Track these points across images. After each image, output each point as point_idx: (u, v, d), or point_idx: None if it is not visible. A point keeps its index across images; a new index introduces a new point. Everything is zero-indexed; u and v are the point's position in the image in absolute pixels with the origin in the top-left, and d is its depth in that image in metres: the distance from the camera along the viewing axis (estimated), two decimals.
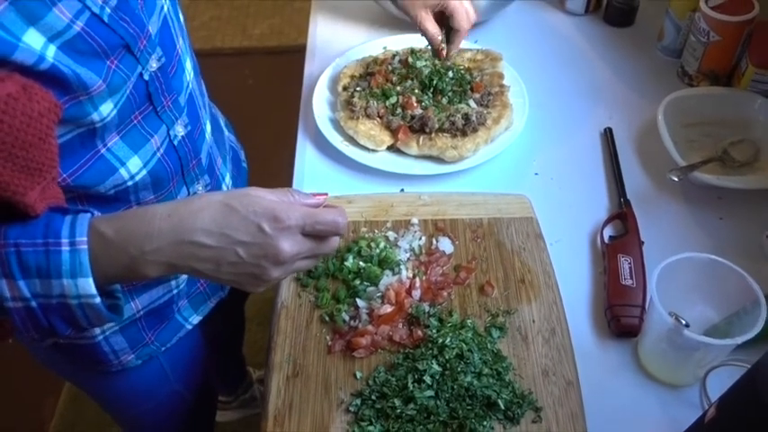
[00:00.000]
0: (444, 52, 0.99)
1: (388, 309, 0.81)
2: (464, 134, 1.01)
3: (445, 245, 0.90)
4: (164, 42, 0.71)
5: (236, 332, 1.44)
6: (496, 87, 1.09)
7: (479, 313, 0.83)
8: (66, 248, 0.57)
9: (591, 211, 0.96)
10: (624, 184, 0.97)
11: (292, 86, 1.25)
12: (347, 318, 0.82)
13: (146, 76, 0.69)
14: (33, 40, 0.55)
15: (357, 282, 0.85)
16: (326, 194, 0.65)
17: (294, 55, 1.52)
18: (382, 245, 0.88)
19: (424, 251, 0.89)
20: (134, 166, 0.71)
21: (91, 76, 0.60)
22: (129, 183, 0.72)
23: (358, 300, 0.83)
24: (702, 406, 0.75)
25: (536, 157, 1.04)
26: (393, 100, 1.07)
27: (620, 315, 0.82)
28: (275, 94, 2.44)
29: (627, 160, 1.02)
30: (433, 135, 1.01)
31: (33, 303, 0.57)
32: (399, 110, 1.05)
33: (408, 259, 0.88)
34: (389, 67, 1.12)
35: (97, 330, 0.80)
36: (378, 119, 1.05)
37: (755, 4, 1.02)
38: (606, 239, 0.91)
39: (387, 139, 1.03)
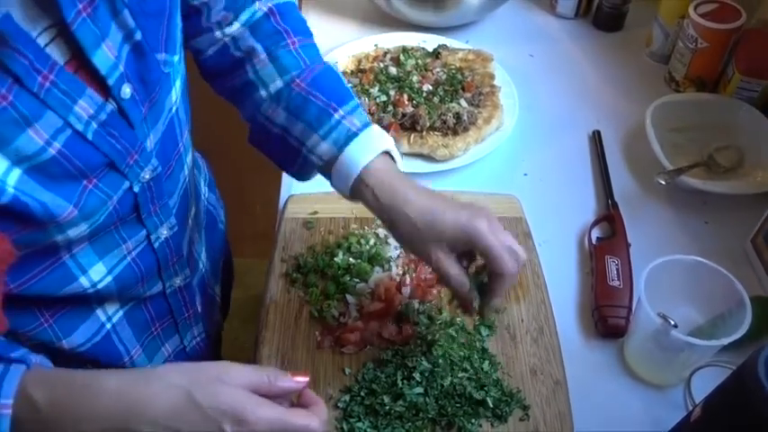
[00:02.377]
0: (477, 307, 0.69)
1: (377, 305, 0.81)
2: (455, 133, 1.01)
3: None
4: (164, 149, 0.64)
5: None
6: (487, 88, 1.10)
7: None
8: None
9: (579, 213, 0.97)
10: (612, 187, 0.98)
11: None
12: (336, 314, 0.82)
13: (135, 188, 0.61)
14: None
15: (347, 278, 0.85)
16: (307, 378, 0.56)
17: None
18: (372, 241, 0.88)
19: None
20: (96, 274, 0.63)
21: (60, 203, 0.52)
22: (90, 291, 0.63)
23: (347, 296, 0.83)
24: (687, 406, 0.77)
25: (525, 158, 1.05)
26: (384, 97, 1.07)
27: (607, 315, 0.82)
28: None
29: (614, 163, 1.03)
30: (423, 133, 1.02)
31: None
32: (390, 107, 1.05)
33: (398, 256, 0.88)
34: (381, 65, 1.12)
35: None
36: (369, 116, 1.05)
37: (743, 12, 1.04)
38: (594, 241, 0.92)
39: None
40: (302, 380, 0.56)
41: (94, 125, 0.53)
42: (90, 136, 0.53)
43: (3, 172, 0.47)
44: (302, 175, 0.74)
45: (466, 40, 1.22)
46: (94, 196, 0.56)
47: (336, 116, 0.69)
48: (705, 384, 0.71)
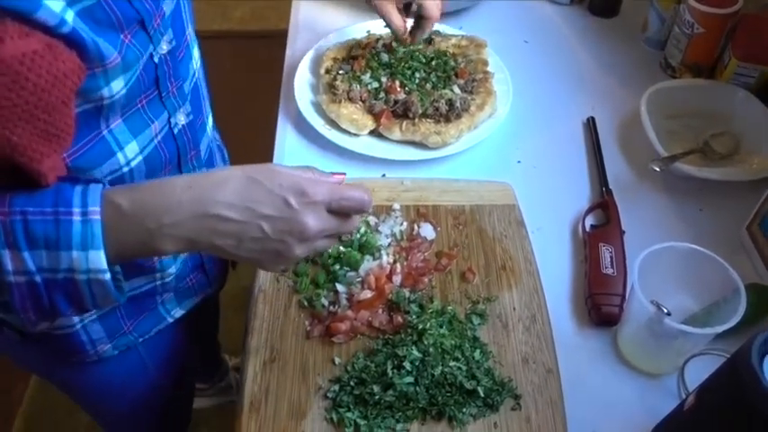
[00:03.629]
0: (408, 38, 1.01)
1: (368, 294, 0.80)
2: (447, 120, 1.00)
3: (427, 231, 0.89)
4: (175, 25, 0.68)
5: (212, 319, 1.42)
6: (480, 74, 1.08)
7: (460, 300, 0.82)
8: (77, 218, 0.53)
9: (573, 200, 0.96)
10: (606, 174, 0.97)
11: (272, 71, 1.23)
12: (326, 303, 0.81)
13: (156, 58, 0.65)
14: (53, 2, 0.50)
15: (337, 267, 0.83)
16: (344, 174, 0.63)
17: (275, 40, 1.49)
18: (363, 230, 0.87)
19: (405, 237, 0.88)
20: (131, 151, 0.67)
21: (108, 47, 0.56)
22: (125, 168, 0.68)
23: (337, 285, 0.82)
24: (680, 395, 0.76)
25: (519, 145, 1.04)
26: (376, 84, 1.05)
27: (600, 303, 0.81)
28: (254, 78, 2.40)
29: (609, 150, 1.02)
30: (416, 120, 1.00)
31: (38, 278, 0.53)
32: (382, 94, 1.04)
33: (389, 245, 0.87)
34: (373, 52, 1.11)
35: (76, 318, 0.77)
36: (360, 102, 1.04)
37: None
38: (588, 228, 0.91)
39: (369, 124, 1.01)
40: (341, 176, 0.63)
41: None
42: None
43: (61, 9, 0.51)
44: None
45: (459, 26, 1.21)
46: (131, 50, 0.60)
47: None
48: (699, 372, 0.70)
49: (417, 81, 1.06)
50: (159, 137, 0.71)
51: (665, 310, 0.69)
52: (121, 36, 0.59)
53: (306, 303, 0.81)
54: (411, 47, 1.10)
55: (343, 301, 0.80)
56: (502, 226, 0.90)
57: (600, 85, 1.14)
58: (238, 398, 0.74)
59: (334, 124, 1.02)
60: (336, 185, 0.60)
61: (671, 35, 1.11)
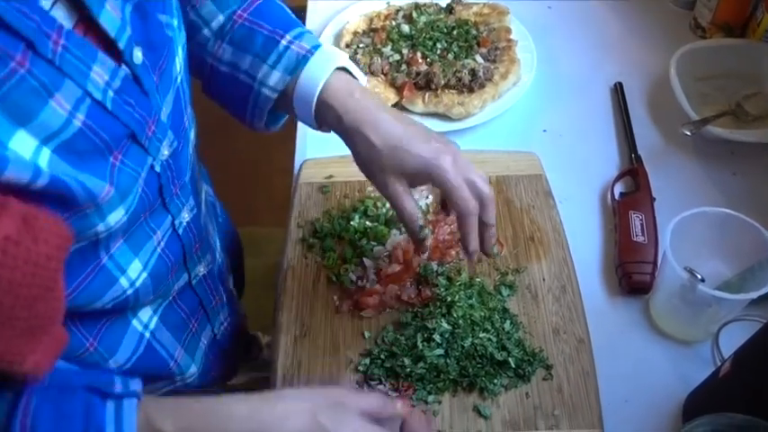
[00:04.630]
0: (426, 245, 0.69)
1: (395, 268, 0.80)
2: (471, 90, 0.98)
3: None
4: (175, 122, 0.60)
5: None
6: (504, 42, 1.06)
7: (488, 272, 0.81)
8: None
9: (601, 168, 0.94)
10: (635, 140, 0.95)
11: None
12: (354, 278, 0.81)
13: (157, 168, 0.57)
14: (22, 145, 0.42)
15: (364, 241, 0.83)
16: (413, 406, 0.65)
17: (295, 14, 1.48)
18: (389, 204, 0.87)
19: (431, 210, 0.88)
20: (134, 272, 0.60)
21: (96, 182, 0.48)
22: (129, 291, 0.60)
23: (365, 259, 0.82)
24: (715, 362, 0.75)
25: (544, 114, 1.02)
26: (397, 57, 1.04)
27: (631, 272, 0.80)
28: None
29: (638, 115, 1.00)
30: (438, 91, 0.99)
31: None
32: (404, 66, 1.03)
33: None
34: (393, 23, 1.09)
35: None
36: (382, 75, 1.03)
37: None
38: (617, 196, 0.89)
39: (391, 97, 1.00)
40: (408, 407, 0.60)
41: (111, 93, 0.50)
42: (109, 105, 0.49)
43: (33, 152, 0.43)
44: (259, 118, 0.70)
45: None
46: (125, 173, 0.52)
47: (284, 42, 0.67)
48: (733, 339, 0.69)
49: (439, 52, 1.04)
50: (162, 243, 0.63)
51: (699, 277, 0.68)
52: (111, 159, 0.50)
53: (334, 279, 0.81)
54: (432, 16, 1.09)
55: (371, 276, 0.80)
56: (529, 196, 0.89)
57: (627, 49, 1.11)
58: (271, 373, 0.75)
59: None
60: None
61: None
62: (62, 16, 0.47)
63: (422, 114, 0.99)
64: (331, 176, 0.91)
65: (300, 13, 1.22)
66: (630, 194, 0.89)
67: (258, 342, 1.66)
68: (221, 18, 0.70)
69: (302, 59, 0.66)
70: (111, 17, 0.50)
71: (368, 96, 0.66)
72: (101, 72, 0.49)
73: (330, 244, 0.84)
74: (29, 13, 0.43)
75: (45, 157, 0.44)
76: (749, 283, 0.72)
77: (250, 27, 0.68)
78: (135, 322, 0.68)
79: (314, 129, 0.70)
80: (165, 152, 0.58)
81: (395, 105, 1.00)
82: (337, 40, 1.10)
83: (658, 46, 1.09)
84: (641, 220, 0.84)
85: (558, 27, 1.14)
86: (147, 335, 0.70)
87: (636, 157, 0.93)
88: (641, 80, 1.05)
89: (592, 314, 0.77)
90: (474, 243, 0.66)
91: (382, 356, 0.74)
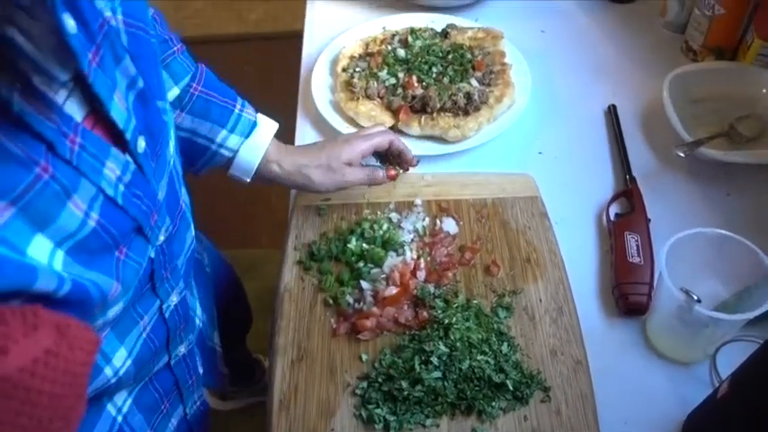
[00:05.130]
0: (393, 173, 0.88)
1: (392, 290, 0.80)
2: (466, 113, 0.99)
3: (449, 225, 0.88)
4: (170, 205, 0.60)
5: (241, 326, 1.41)
6: (498, 66, 1.08)
7: (485, 294, 0.81)
8: None
9: (596, 189, 0.95)
10: (629, 161, 0.96)
11: (290, 72, 1.23)
12: (351, 300, 0.81)
13: (152, 254, 0.56)
14: (39, 250, 0.41)
15: (361, 264, 0.83)
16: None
17: (291, 41, 1.49)
18: (385, 226, 0.87)
19: (428, 232, 0.88)
20: (119, 360, 0.58)
21: (106, 280, 0.47)
22: (113, 380, 0.58)
23: (362, 282, 0.82)
24: (713, 383, 0.75)
25: (539, 136, 1.03)
26: (393, 80, 1.05)
27: (627, 293, 0.80)
28: (273, 79, 2.42)
29: (632, 137, 1.01)
30: (434, 115, 1.00)
31: None
32: (400, 90, 1.04)
33: (412, 240, 0.87)
34: (389, 48, 1.11)
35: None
36: (378, 99, 1.04)
37: None
38: (612, 217, 0.90)
39: (388, 120, 1.01)
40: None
41: (122, 187, 0.50)
42: (120, 200, 0.49)
43: (48, 257, 0.42)
44: (202, 169, 0.82)
45: (475, 18, 1.20)
46: (129, 267, 0.51)
47: (236, 111, 0.80)
48: (731, 359, 0.69)
49: (434, 75, 1.05)
50: (149, 328, 0.62)
51: (695, 297, 0.68)
52: (116, 254, 0.50)
53: (331, 301, 0.81)
54: (428, 41, 1.10)
55: (369, 298, 0.80)
56: (525, 218, 0.89)
57: (620, 71, 1.12)
58: (268, 397, 0.75)
59: (353, 122, 1.02)
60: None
61: (691, 18, 1.09)
62: (75, 110, 0.46)
63: (418, 137, 1.00)
64: (328, 199, 0.92)
65: (297, 38, 1.23)
66: (626, 215, 0.89)
67: (261, 366, 1.65)
68: (177, 90, 0.77)
69: (253, 125, 0.81)
70: (119, 109, 0.50)
71: (289, 148, 0.85)
72: (113, 167, 0.49)
73: (327, 267, 0.84)
74: (48, 113, 0.43)
75: (59, 260, 0.43)
76: (746, 303, 0.72)
77: (206, 98, 0.78)
78: (109, 406, 0.65)
79: (243, 181, 0.83)
80: (162, 238, 0.58)
81: (391, 128, 1.01)
82: (334, 64, 1.11)
83: (651, 69, 1.11)
84: (637, 240, 0.85)
85: (551, 51, 1.16)
86: (120, 419, 0.66)
87: (630, 178, 0.94)
88: (635, 102, 1.07)
89: (589, 335, 0.77)
90: (410, 155, 0.88)
91: (380, 380, 0.73)
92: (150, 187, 0.54)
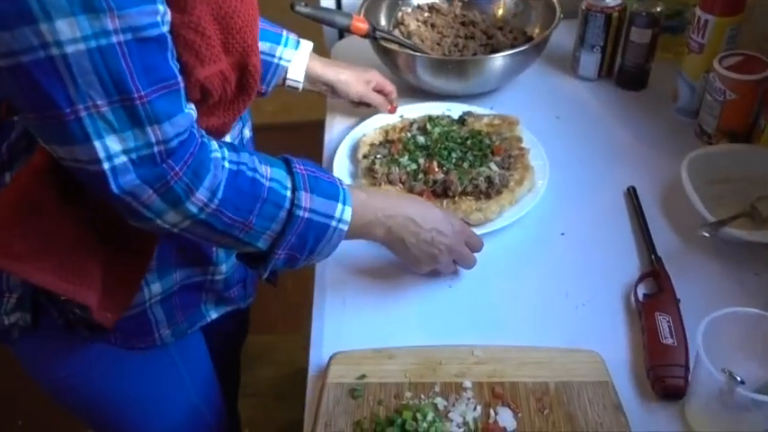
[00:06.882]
0: (395, 106, 1.21)
1: None
2: (488, 197, 1.01)
3: (506, 418, 0.75)
4: None
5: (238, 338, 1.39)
6: (516, 150, 1.10)
7: None
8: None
9: (621, 271, 0.94)
10: (653, 242, 0.96)
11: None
12: None
13: None
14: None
15: None
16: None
17: (308, 129, 1.54)
18: (430, 416, 0.75)
19: (480, 425, 0.75)
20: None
21: None
22: None
23: None
24: None
25: (561, 218, 1.03)
26: (414, 166, 1.07)
27: (663, 375, 0.78)
28: None
29: (653, 218, 1.01)
30: (456, 198, 1.01)
31: (316, 217, 0.75)
32: (421, 175, 1.06)
33: None
34: (408, 135, 1.14)
35: (146, 296, 0.84)
36: (400, 184, 1.05)
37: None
38: (641, 298, 0.89)
39: None
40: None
41: None
42: None
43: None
44: (270, 85, 1.08)
45: (490, 106, 1.24)
46: None
47: (284, 34, 1.07)
48: None
49: (454, 160, 1.08)
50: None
51: (739, 379, 0.66)
52: None
53: None
54: (446, 127, 1.13)
55: None
56: (595, 411, 0.76)
57: (636, 155, 1.14)
58: None
59: None
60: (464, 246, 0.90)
61: (703, 103, 1.12)
62: None
63: None
64: (363, 376, 0.80)
65: (313, 127, 1.27)
66: (654, 296, 0.88)
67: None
68: None
69: (297, 41, 1.08)
70: None
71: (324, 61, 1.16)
72: None
73: None
74: None
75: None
76: None
77: (262, 28, 1.00)
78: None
79: (297, 85, 1.12)
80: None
81: None
82: (354, 151, 1.14)
83: (667, 151, 1.12)
84: (668, 321, 0.83)
85: (567, 135, 1.19)
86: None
87: (656, 258, 0.93)
88: (653, 184, 1.08)
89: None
90: (390, 87, 1.20)
91: None
92: None
